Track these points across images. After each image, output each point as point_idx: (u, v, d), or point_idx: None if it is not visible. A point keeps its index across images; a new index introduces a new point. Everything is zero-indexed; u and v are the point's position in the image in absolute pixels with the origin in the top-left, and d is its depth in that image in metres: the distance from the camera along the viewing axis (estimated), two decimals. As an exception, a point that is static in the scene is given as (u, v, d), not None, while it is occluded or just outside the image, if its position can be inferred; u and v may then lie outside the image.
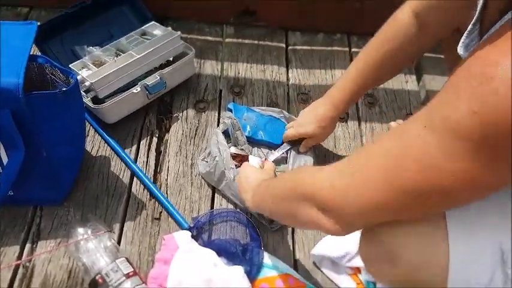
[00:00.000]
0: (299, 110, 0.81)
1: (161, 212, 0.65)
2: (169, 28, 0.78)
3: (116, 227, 0.63)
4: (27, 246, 0.60)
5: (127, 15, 0.85)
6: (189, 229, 0.62)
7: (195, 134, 0.76)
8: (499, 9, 0.36)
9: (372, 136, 0.79)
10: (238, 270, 0.55)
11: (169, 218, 0.65)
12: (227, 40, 0.93)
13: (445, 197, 0.33)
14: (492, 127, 0.29)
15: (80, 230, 0.57)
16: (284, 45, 0.93)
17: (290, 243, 0.63)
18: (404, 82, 0.89)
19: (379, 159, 0.36)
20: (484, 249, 0.37)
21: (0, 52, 0.53)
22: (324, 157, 0.75)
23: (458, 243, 0.39)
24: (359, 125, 0.81)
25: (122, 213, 0.65)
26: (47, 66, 0.59)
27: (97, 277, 0.53)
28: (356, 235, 0.44)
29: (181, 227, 0.63)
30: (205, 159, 0.70)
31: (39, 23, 0.73)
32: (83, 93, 0.70)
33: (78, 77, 0.68)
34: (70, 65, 0.73)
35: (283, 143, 0.71)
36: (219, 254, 0.58)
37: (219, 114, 0.79)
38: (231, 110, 0.76)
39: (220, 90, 0.83)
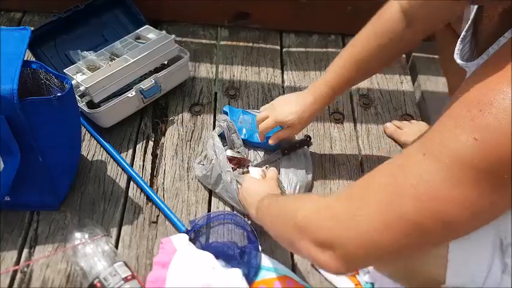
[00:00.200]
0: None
1: (158, 216, 0.65)
2: (164, 32, 0.78)
3: (113, 231, 0.63)
4: (25, 251, 0.60)
5: (121, 19, 0.85)
6: (187, 232, 0.62)
7: (191, 137, 0.76)
8: (493, 20, 0.37)
9: (368, 138, 0.79)
10: (237, 273, 0.56)
11: (167, 222, 0.65)
12: (222, 43, 0.93)
13: (447, 226, 0.33)
14: (493, 154, 0.29)
15: (77, 234, 0.57)
16: (279, 47, 0.94)
17: (287, 244, 0.64)
18: (399, 83, 0.90)
19: (378, 191, 0.35)
20: (483, 238, 0.37)
21: (-6, 59, 0.53)
22: (320, 157, 0.76)
23: None
24: (355, 126, 0.82)
25: (119, 217, 0.65)
26: (41, 72, 0.59)
27: (95, 281, 0.53)
28: None
29: (179, 230, 0.63)
30: (202, 163, 0.70)
31: (32, 28, 0.74)
32: (78, 98, 0.70)
33: (73, 82, 0.68)
34: (65, 70, 0.73)
35: (273, 146, 0.69)
36: (217, 256, 0.58)
37: (214, 117, 0.79)
38: (226, 113, 0.76)
39: (216, 93, 0.83)
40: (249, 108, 0.81)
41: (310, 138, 0.74)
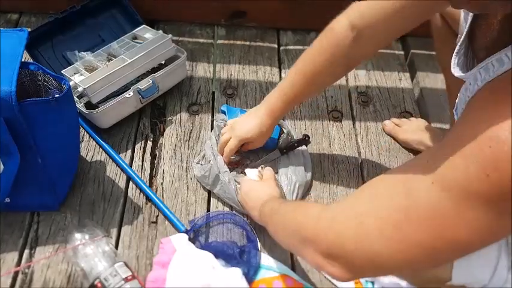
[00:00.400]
0: (292, 111, 0.81)
1: (158, 216, 0.66)
2: (160, 31, 0.78)
3: (113, 231, 0.63)
4: (26, 252, 0.60)
5: (117, 19, 0.85)
6: (186, 232, 0.62)
7: (189, 137, 0.76)
8: (493, 27, 0.36)
9: (367, 136, 0.79)
10: (236, 272, 0.56)
11: (166, 222, 0.65)
12: (219, 42, 0.93)
13: (455, 247, 0.33)
14: (505, 187, 0.29)
15: (78, 235, 0.57)
16: (276, 46, 0.93)
17: (286, 242, 0.64)
18: (398, 80, 0.90)
19: (386, 211, 0.35)
20: None
21: (-9, 61, 0.53)
22: (318, 156, 0.76)
23: None
24: (353, 124, 0.81)
25: (119, 217, 0.65)
26: (39, 73, 0.59)
27: (96, 282, 0.54)
28: None
29: (178, 230, 0.63)
30: (200, 162, 0.70)
31: (29, 29, 0.74)
32: (76, 99, 0.70)
33: (71, 83, 0.68)
34: (62, 71, 0.73)
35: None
36: (217, 256, 0.58)
37: (212, 116, 0.79)
38: (224, 112, 0.76)
39: (213, 93, 0.83)
40: (247, 107, 0.81)
41: (308, 137, 0.74)
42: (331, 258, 0.37)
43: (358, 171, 0.74)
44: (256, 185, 0.60)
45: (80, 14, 0.80)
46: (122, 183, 0.69)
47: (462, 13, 0.45)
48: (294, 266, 0.62)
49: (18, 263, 0.59)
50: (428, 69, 0.89)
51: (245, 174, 0.65)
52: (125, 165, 0.70)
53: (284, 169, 0.70)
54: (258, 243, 0.62)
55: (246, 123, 0.65)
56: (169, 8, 0.91)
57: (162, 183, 0.70)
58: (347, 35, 0.54)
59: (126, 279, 0.54)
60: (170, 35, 0.77)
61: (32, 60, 0.77)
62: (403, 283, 0.55)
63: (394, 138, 0.79)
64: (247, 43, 0.93)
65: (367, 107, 0.84)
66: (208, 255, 0.58)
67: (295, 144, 0.72)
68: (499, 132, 0.29)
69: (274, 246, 0.63)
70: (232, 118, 0.74)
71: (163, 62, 0.79)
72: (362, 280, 0.59)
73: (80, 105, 0.70)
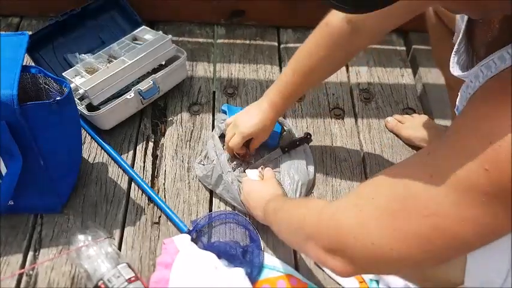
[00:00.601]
0: (293, 109, 0.81)
1: (160, 216, 0.66)
2: (160, 32, 0.78)
3: (116, 232, 0.63)
4: (30, 254, 0.60)
5: (117, 21, 0.85)
6: (189, 232, 0.62)
7: (190, 137, 0.76)
8: (493, 26, 0.36)
9: (370, 133, 0.79)
10: (239, 272, 0.56)
11: (169, 222, 0.65)
12: (218, 41, 0.92)
13: (458, 244, 0.33)
14: (505, 181, 0.29)
15: (81, 237, 0.58)
16: (276, 44, 0.93)
17: (289, 242, 0.64)
18: (400, 76, 0.89)
19: (385, 201, 0.35)
20: (502, 239, 0.36)
21: (-7, 65, 0.53)
22: (321, 154, 0.75)
23: None
24: (356, 121, 0.81)
25: (122, 218, 0.65)
26: (40, 76, 0.59)
27: (99, 283, 0.54)
28: None
29: (181, 231, 0.63)
30: (202, 162, 0.70)
31: (30, 33, 0.74)
32: (77, 101, 0.70)
33: (72, 85, 0.69)
34: (63, 73, 0.73)
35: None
36: (219, 256, 0.58)
37: (213, 116, 0.79)
38: (225, 112, 0.76)
39: (214, 92, 0.83)
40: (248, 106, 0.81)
41: (310, 135, 0.74)
42: (332, 252, 0.38)
43: (361, 169, 0.74)
44: (257, 185, 0.60)
45: (80, 16, 0.81)
46: (124, 185, 0.69)
47: None
48: (297, 265, 0.61)
49: (23, 265, 0.59)
50: (431, 65, 0.88)
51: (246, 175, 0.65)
52: (126, 167, 0.70)
53: (286, 168, 0.70)
54: (261, 242, 0.62)
55: (248, 119, 0.64)
56: (169, 8, 0.91)
57: (164, 184, 0.70)
58: (343, 29, 0.54)
59: (129, 280, 0.54)
60: (170, 36, 0.77)
61: (33, 64, 0.77)
62: (410, 285, 0.55)
63: (397, 135, 0.78)
64: (247, 42, 0.92)
65: (369, 104, 0.83)
66: (211, 256, 0.58)
67: (297, 143, 0.72)
68: (499, 128, 0.29)
69: (277, 245, 0.63)
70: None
71: (163, 63, 0.79)
72: (367, 280, 0.59)
73: (81, 107, 0.71)
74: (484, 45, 0.38)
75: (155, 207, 0.67)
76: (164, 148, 0.75)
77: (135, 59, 0.73)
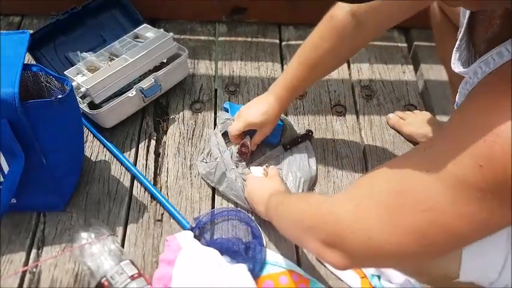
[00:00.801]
0: (295, 106, 0.81)
1: (163, 214, 0.66)
2: (162, 30, 0.78)
3: (119, 230, 0.63)
4: (33, 252, 0.61)
5: (118, 19, 0.85)
6: (191, 229, 0.62)
7: (193, 135, 0.76)
8: (493, 21, 0.36)
9: (371, 130, 0.79)
10: (242, 268, 0.56)
11: (171, 219, 0.65)
12: (220, 39, 0.92)
13: (454, 238, 0.33)
14: (500, 177, 0.29)
15: (84, 234, 0.58)
16: (278, 41, 0.93)
17: (292, 238, 0.64)
18: (402, 73, 0.89)
19: (382, 195, 0.35)
20: (497, 233, 0.36)
21: (-5, 63, 0.53)
22: (322, 151, 0.75)
23: None
24: (357, 118, 0.81)
25: (124, 216, 0.65)
26: (42, 74, 0.59)
27: (102, 280, 0.54)
28: None
29: (183, 228, 0.64)
30: (204, 160, 0.70)
31: (31, 31, 0.74)
32: (79, 99, 0.70)
33: (74, 84, 0.69)
34: (65, 72, 0.73)
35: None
36: (222, 252, 0.58)
37: (215, 114, 0.79)
38: (227, 109, 0.76)
39: (216, 90, 0.83)
40: (250, 103, 0.81)
41: (311, 132, 0.74)
42: (330, 245, 0.38)
43: (362, 166, 0.74)
44: (261, 181, 0.61)
45: (81, 14, 0.81)
46: (126, 182, 0.69)
47: (461, 7, 0.45)
48: (299, 261, 0.61)
49: (26, 263, 0.59)
50: (432, 62, 0.88)
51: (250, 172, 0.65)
52: (129, 164, 0.70)
53: (288, 165, 0.70)
54: (263, 239, 0.62)
55: (254, 109, 0.65)
56: (170, 6, 0.91)
57: (167, 182, 0.70)
58: (348, 22, 0.54)
59: (133, 277, 0.54)
60: (171, 34, 0.77)
61: (34, 62, 0.77)
62: (409, 279, 0.55)
63: (399, 132, 0.78)
64: (249, 39, 0.92)
65: (370, 101, 0.83)
66: (213, 252, 0.58)
67: (299, 140, 0.72)
68: (494, 125, 0.29)
69: (279, 241, 0.63)
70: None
71: (165, 61, 0.79)
72: (368, 275, 0.59)
73: (83, 105, 0.71)
74: (485, 42, 0.38)
75: (158, 205, 0.67)
76: (166, 146, 0.75)
77: (137, 57, 0.73)
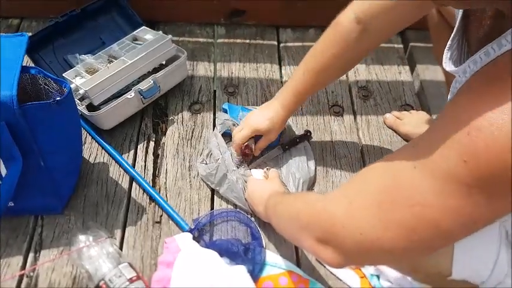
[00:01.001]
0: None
1: (161, 216, 0.66)
2: (160, 32, 0.78)
3: (117, 232, 0.63)
4: (30, 255, 0.60)
5: (117, 22, 0.85)
6: (190, 231, 0.62)
7: (192, 136, 0.76)
8: (484, 22, 0.37)
9: (368, 130, 0.79)
10: (241, 270, 0.56)
11: (170, 221, 0.65)
12: (219, 41, 0.93)
13: (442, 233, 0.33)
14: (484, 172, 0.29)
15: (82, 237, 0.57)
16: (276, 43, 0.93)
17: (291, 239, 0.64)
18: (398, 73, 0.89)
19: (372, 192, 0.36)
20: (489, 231, 0.37)
21: (-7, 65, 0.53)
22: (321, 151, 0.75)
23: None
24: (355, 118, 0.81)
25: (123, 218, 0.65)
26: (40, 77, 0.59)
27: (101, 283, 0.54)
28: None
29: (182, 229, 0.63)
30: (204, 161, 0.70)
31: (30, 34, 0.74)
32: (78, 101, 0.70)
33: (72, 86, 0.69)
34: (63, 74, 0.73)
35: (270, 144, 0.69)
36: (221, 254, 0.58)
37: (214, 115, 0.79)
38: (226, 110, 0.76)
39: (214, 91, 0.83)
40: (248, 104, 0.81)
41: (310, 132, 0.74)
42: (324, 243, 0.38)
43: (360, 165, 0.74)
44: (262, 183, 0.61)
45: (80, 17, 0.81)
46: (125, 184, 0.69)
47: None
48: (299, 262, 0.61)
49: (23, 267, 0.59)
50: (428, 62, 0.89)
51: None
52: (127, 166, 0.70)
53: (287, 166, 0.70)
54: (263, 240, 0.62)
55: (259, 116, 0.66)
56: (169, 8, 0.91)
57: (165, 183, 0.70)
58: (353, 29, 0.54)
59: (131, 280, 0.54)
60: (170, 36, 0.77)
61: (33, 65, 0.77)
62: (408, 278, 0.55)
63: (396, 131, 0.79)
64: (247, 41, 0.93)
65: (367, 101, 0.84)
66: (212, 254, 0.57)
67: (297, 140, 0.72)
68: (478, 121, 0.30)
69: (279, 243, 0.62)
70: (234, 116, 0.74)
71: (164, 63, 0.79)
72: (367, 274, 0.59)
73: (82, 107, 0.71)
74: (477, 42, 0.38)
75: (156, 207, 0.67)
76: (165, 147, 0.75)
77: (135, 58, 0.74)
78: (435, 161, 0.32)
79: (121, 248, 0.62)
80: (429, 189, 0.32)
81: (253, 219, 0.64)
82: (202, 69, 0.87)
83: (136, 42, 0.80)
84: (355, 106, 0.83)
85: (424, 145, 0.34)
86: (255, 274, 0.58)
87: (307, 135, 0.74)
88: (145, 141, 0.75)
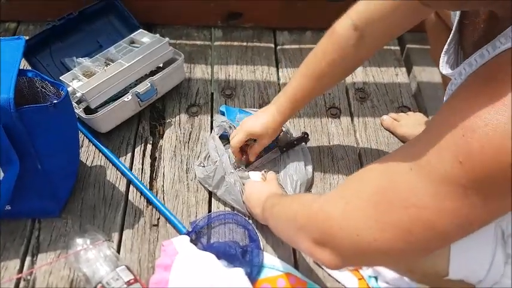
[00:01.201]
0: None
1: (159, 218, 0.66)
2: (157, 35, 0.79)
3: (115, 235, 0.63)
4: (28, 259, 0.60)
5: (114, 25, 0.85)
6: (188, 234, 0.62)
7: (189, 138, 0.76)
8: (478, 25, 0.37)
9: (366, 132, 0.79)
10: (239, 272, 0.56)
11: (168, 224, 0.65)
12: (216, 43, 0.93)
13: (438, 235, 0.33)
14: (479, 174, 0.30)
15: (79, 240, 0.57)
16: (273, 45, 0.94)
17: (289, 241, 0.64)
18: (395, 75, 0.90)
19: (368, 193, 0.36)
20: (484, 230, 0.37)
21: (-11, 69, 0.53)
22: (318, 153, 0.75)
23: None
24: (352, 120, 0.81)
25: (120, 221, 0.65)
26: (37, 80, 0.59)
27: (98, 286, 0.54)
28: None
29: (180, 232, 0.63)
30: (202, 164, 0.70)
31: (27, 37, 0.74)
32: (75, 104, 0.70)
33: (69, 89, 0.69)
34: (60, 77, 0.73)
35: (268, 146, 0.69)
36: (219, 256, 0.58)
37: (211, 117, 0.79)
38: (223, 113, 0.76)
39: (212, 94, 0.83)
40: (246, 107, 0.81)
41: (307, 134, 0.74)
42: (321, 244, 0.38)
43: (357, 167, 0.74)
44: (259, 185, 0.61)
45: (77, 20, 0.81)
46: (122, 187, 0.69)
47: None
48: (297, 264, 0.61)
49: (20, 270, 0.59)
50: (425, 64, 0.89)
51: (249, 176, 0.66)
52: (124, 169, 0.70)
53: (285, 168, 0.70)
54: (261, 242, 0.62)
55: (255, 120, 0.66)
56: (166, 11, 0.92)
57: (163, 186, 0.70)
58: (350, 36, 0.55)
59: (129, 283, 0.54)
60: (167, 38, 0.77)
61: (30, 68, 0.77)
62: (405, 279, 0.55)
63: (393, 133, 0.79)
64: (244, 44, 0.93)
65: (364, 103, 0.84)
66: (210, 256, 0.57)
67: (295, 142, 0.72)
68: (472, 122, 0.30)
69: (277, 245, 0.62)
70: (231, 118, 0.74)
71: (161, 65, 0.80)
72: (365, 276, 0.59)
73: (79, 111, 0.71)
74: (472, 45, 0.39)
75: (154, 209, 0.66)
76: (163, 150, 0.75)
77: (132, 61, 0.74)
78: (431, 163, 0.32)
79: (118, 251, 0.62)
80: (425, 191, 0.32)
81: (250, 221, 0.64)
82: (200, 71, 0.87)
83: (133, 45, 0.80)
84: (352, 108, 0.83)
85: (420, 146, 0.34)
86: (253, 276, 0.58)
87: (304, 137, 0.74)
88: (142, 144, 0.75)
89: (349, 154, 0.76)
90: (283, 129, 0.73)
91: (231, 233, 0.64)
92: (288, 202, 0.49)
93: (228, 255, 0.59)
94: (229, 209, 0.67)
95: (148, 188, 0.69)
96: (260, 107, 0.80)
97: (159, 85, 0.77)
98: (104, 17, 0.85)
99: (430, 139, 0.33)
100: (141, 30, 0.81)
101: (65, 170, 0.64)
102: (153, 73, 0.78)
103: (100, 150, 0.73)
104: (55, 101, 0.55)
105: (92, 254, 0.56)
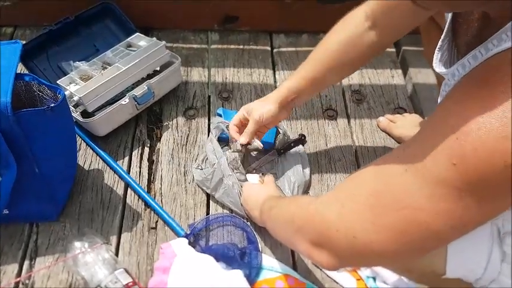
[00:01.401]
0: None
1: (157, 221, 0.66)
2: (154, 38, 0.79)
3: (113, 238, 0.63)
4: (26, 263, 0.60)
5: (111, 29, 0.86)
6: (186, 236, 0.62)
7: (186, 141, 0.77)
8: (472, 25, 0.37)
9: (362, 133, 0.80)
10: (238, 274, 0.56)
11: (166, 227, 0.65)
12: (212, 47, 0.94)
13: (434, 236, 0.34)
14: (473, 176, 0.30)
15: (77, 244, 0.57)
16: (269, 48, 0.94)
17: (287, 242, 0.64)
18: (391, 77, 0.91)
19: (364, 195, 0.36)
20: (481, 229, 0.37)
21: (-13, 73, 0.53)
22: (315, 155, 0.76)
23: None
24: (348, 122, 0.82)
25: (118, 224, 0.65)
26: (34, 84, 0.59)
27: (97, 290, 0.54)
28: None
29: (178, 235, 0.63)
30: (200, 167, 0.70)
31: (24, 42, 0.74)
32: (72, 108, 0.70)
33: (67, 92, 0.69)
34: (58, 81, 0.73)
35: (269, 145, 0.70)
36: (217, 259, 0.58)
37: (208, 120, 0.80)
38: (220, 115, 0.76)
39: (209, 97, 0.84)
40: (243, 109, 0.81)
41: (304, 136, 0.75)
42: (318, 245, 0.39)
43: (354, 168, 0.75)
44: (257, 188, 0.61)
45: (74, 24, 0.81)
46: (120, 190, 0.69)
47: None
48: (295, 265, 0.62)
49: (19, 274, 0.58)
50: (420, 65, 0.90)
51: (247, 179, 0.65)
52: (122, 172, 0.70)
53: (282, 170, 0.70)
54: (259, 244, 0.62)
55: (263, 108, 0.62)
56: (163, 15, 0.92)
57: (161, 189, 0.70)
58: (362, 24, 0.55)
59: (127, 286, 0.54)
60: (164, 42, 0.78)
61: (28, 72, 0.77)
62: (404, 279, 0.56)
63: (389, 134, 0.80)
64: (241, 47, 0.94)
65: (361, 105, 0.85)
66: (209, 259, 0.58)
67: (292, 144, 0.73)
68: (466, 125, 0.30)
69: (275, 246, 0.63)
70: (228, 121, 0.74)
71: (158, 69, 0.80)
72: (364, 276, 0.59)
73: (76, 114, 0.71)
74: (465, 44, 0.39)
75: (152, 212, 0.67)
76: (160, 153, 0.75)
77: (129, 65, 0.74)
78: (426, 165, 0.32)
79: (117, 254, 0.62)
80: (420, 193, 0.33)
81: (249, 223, 0.65)
82: (197, 75, 0.87)
83: (130, 48, 0.80)
84: (348, 110, 0.84)
85: (415, 148, 0.34)
86: (252, 278, 0.58)
87: (301, 139, 0.74)
88: (140, 147, 0.75)
89: (346, 155, 0.76)
90: (280, 131, 0.74)
91: (229, 235, 0.64)
92: (285, 204, 0.49)
93: (227, 257, 0.59)
94: (227, 212, 0.67)
95: (146, 191, 0.69)
96: (257, 109, 0.81)
97: (156, 88, 0.77)
98: (100, 21, 0.85)
99: (425, 141, 0.33)
100: (137, 33, 0.82)
101: (62, 173, 0.64)
102: (150, 76, 0.78)
103: (97, 154, 0.73)
104: (52, 105, 0.55)
105: (90, 257, 0.56)
